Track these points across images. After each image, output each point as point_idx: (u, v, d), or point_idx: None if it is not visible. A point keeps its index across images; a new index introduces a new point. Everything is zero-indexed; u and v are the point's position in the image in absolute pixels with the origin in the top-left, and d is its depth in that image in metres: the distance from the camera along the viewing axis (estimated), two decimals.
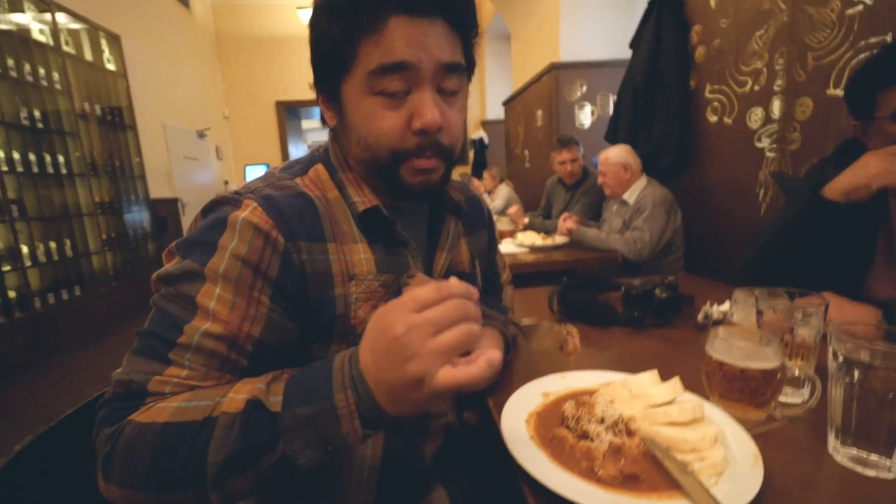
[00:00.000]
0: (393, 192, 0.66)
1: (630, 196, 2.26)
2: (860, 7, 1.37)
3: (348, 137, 0.63)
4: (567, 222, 2.33)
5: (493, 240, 0.93)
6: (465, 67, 0.62)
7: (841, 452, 0.52)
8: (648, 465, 0.50)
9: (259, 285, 0.53)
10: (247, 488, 0.43)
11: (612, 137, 2.65)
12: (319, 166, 0.66)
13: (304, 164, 0.67)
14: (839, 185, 0.91)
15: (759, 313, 0.71)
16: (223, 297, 0.51)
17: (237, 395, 0.45)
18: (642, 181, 2.27)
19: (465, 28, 0.60)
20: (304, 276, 0.57)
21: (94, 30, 4.01)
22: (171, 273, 0.53)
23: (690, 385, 0.63)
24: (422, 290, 0.42)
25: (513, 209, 3.06)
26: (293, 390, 0.45)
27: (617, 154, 2.27)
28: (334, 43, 0.57)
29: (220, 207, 0.57)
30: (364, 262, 0.62)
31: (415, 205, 0.72)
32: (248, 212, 0.55)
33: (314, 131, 10.89)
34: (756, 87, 1.81)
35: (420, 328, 0.40)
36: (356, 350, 0.45)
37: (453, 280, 0.44)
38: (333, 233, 0.61)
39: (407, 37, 0.55)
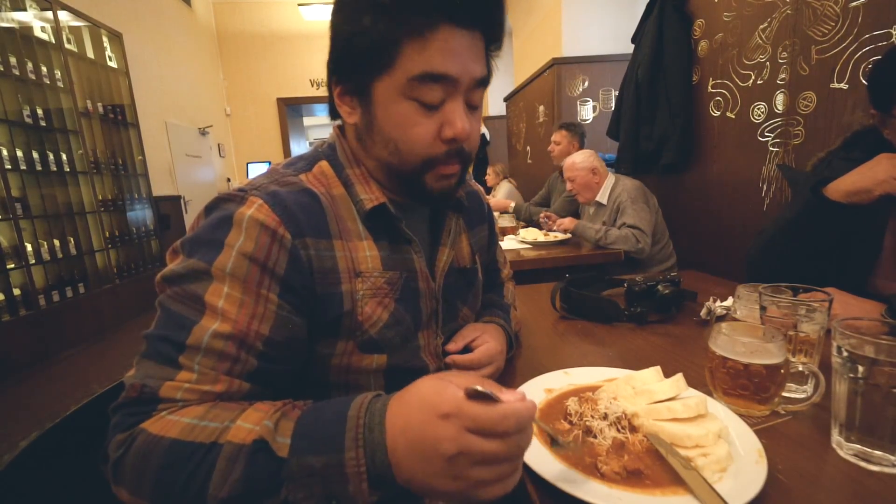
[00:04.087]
0: (412, 195, 0.66)
1: (603, 196, 2.26)
2: None
3: (373, 138, 0.62)
4: (565, 221, 2.32)
5: (493, 234, 0.93)
6: (488, 80, 0.63)
7: (845, 448, 0.52)
8: (652, 461, 0.51)
9: (267, 283, 0.53)
10: None
11: (615, 133, 2.64)
12: (324, 163, 0.65)
13: (309, 161, 0.66)
14: (843, 186, 0.90)
15: (763, 309, 0.71)
16: (231, 295, 0.51)
17: (245, 424, 0.44)
18: (610, 179, 2.28)
19: (496, 43, 0.62)
20: (312, 272, 0.57)
21: (95, 27, 4.01)
22: (176, 272, 0.52)
23: (694, 381, 0.63)
24: (488, 415, 0.38)
25: (493, 199, 3.08)
26: (302, 434, 0.43)
27: (584, 159, 2.27)
28: (376, 41, 0.55)
29: (224, 205, 0.56)
30: (369, 260, 0.62)
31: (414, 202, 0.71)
32: (255, 209, 0.54)
33: (316, 128, 10.90)
34: (759, 82, 1.80)
35: (471, 456, 0.38)
36: (375, 407, 0.44)
37: (520, 397, 0.40)
38: (339, 229, 0.60)
39: (452, 48, 0.55)
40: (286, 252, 0.54)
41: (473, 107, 0.62)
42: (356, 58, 0.58)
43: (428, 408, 0.40)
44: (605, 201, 2.25)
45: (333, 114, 0.67)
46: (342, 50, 0.59)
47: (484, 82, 0.61)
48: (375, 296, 0.61)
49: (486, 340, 0.74)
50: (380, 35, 0.55)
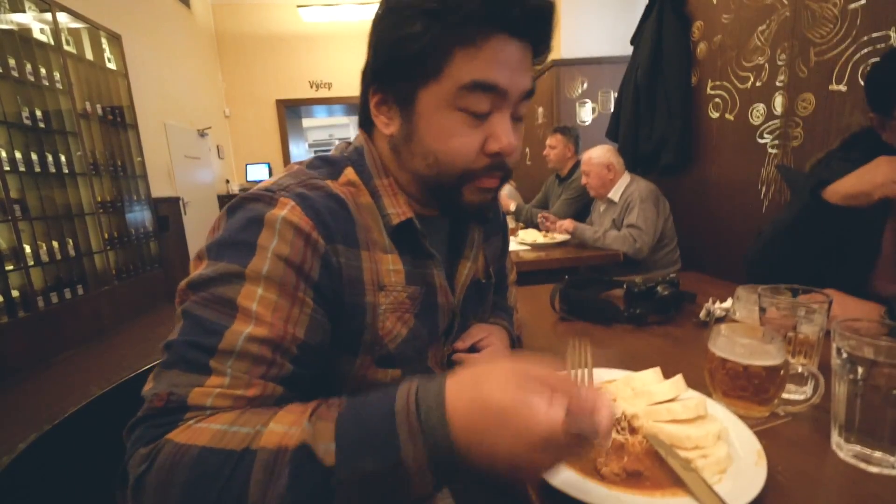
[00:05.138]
0: (446, 208, 0.64)
1: (615, 194, 2.27)
2: (862, 1, 1.36)
3: (412, 149, 0.59)
4: (565, 223, 2.32)
5: (506, 242, 0.92)
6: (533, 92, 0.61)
7: (844, 449, 0.52)
8: (652, 462, 0.50)
9: (303, 287, 0.51)
10: None
11: (614, 134, 2.65)
12: (350, 170, 0.62)
13: (335, 168, 0.62)
14: (841, 189, 0.90)
15: (762, 310, 0.71)
16: (266, 298, 0.48)
17: (277, 427, 0.40)
18: (625, 178, 2.28)
19: (543, 56, 0.60)
20: (342, 280, 0.55)
21: (94, 29, 4.01)
22: (203, 276, 0.48)
23: (693, 382, 0.63)
24: (586, 447, 0.37)
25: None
26: (347, 437, 0.39)
27: (600, 154, 2.27)
28: (426, 48, 0.53)
29: (250, 205, 0.53)
30: (392, 274, 0.60)
31: (440, 215, 0.69)
32: (287, 211, 0.52)
33: (315, 129, 10.89)
34: (758, 83, 1.80)
35: (529, 464, 0.37)
36: (427, 400, 0.39)
37: (605, 405, 0.38)
38: (366, 239, 0.58)
39: (504, 59, 0.54)
40: (319, 257, 0.52)
41: (517, 119, 0.60)
42: (402, 65, 0.56)
43: (518, 430, 0.36)
44: (616, 199, 2.26)
45: (365, 123, 0.65)
46: (386, 56, 0.57)
47: (531, 94, 0.59)
48: (396, 310, 0.60)
49: (493, 342, 0.73)
50: (430, 42, 0.53)
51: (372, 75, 0.60)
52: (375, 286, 0.58)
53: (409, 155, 0.60)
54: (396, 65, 0.56)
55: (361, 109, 0.65)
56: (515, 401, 0.36)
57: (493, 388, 0.38)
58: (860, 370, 0.50)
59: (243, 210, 0.53)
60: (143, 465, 0.40)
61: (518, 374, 0.38)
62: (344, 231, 0.56)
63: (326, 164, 0.63)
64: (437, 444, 0.38)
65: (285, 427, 0.40)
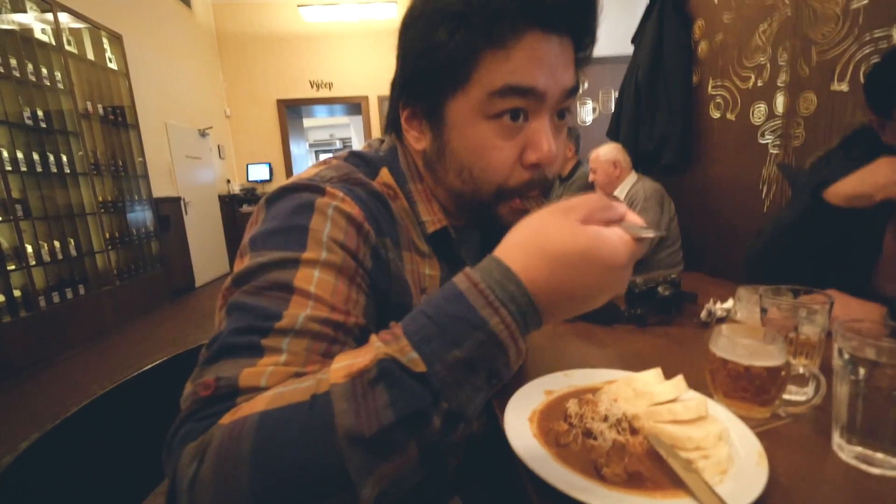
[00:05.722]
0: (481, 224, 0.63)
1: (621, 192, 2.28)
2: (865, 0, 1.36)
3: (445, 165, 0.57)
4: None
5: None
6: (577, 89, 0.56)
7: (846, 450, 0.52)
8: (652, 463, 0.50)
9: (361, 273, 0.48)
10: (407, 468, 0.34)
11: (615, 134, 2.64)
12: (385, 171, 0.60)
13: (371, 167, 0.60)
14: (842, 190, 0.89)
15: (763, 311, 0.71)
16: (325, 280, 0.44)
17: (339, 364, 0.35)
18: (632, 177, 2.29)
19: (588, 50, 0.57)
20: (390, 276, 0.53)
21: (95, 29, 4.01)
22: (251, 267, 0.44)
23: (694, 383, 0.63)
24: (624, 254, 0.37)
25: None
26: (425, 338, 0.35)
27: (607, 151, 2.29)
28: (453, 55, 0.50)
29: (295, 194, 0.50)
30: (428, 279, 0.59)
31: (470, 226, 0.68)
32: (339, 200, 0.49)
33: (316, 129, 10.90)
34: (759, 83, 1.80)
35: (616, 289, 0.38)
36: (491, 273, 0.37)
37: (636, 222, 0.39)
38: (406, 241, 0.57)
39: (539, 57, 0.50)
40: (370, 248, 0.50)
41: (560, 121, 0.56)
42: (429, 76, 0.53)
43: (605, 262, 0.36)
44: (621, 197, 2.27)
45: (396, 131, 0.63)
46: (412, 68, 0.55)
47: (574, 91, 0.55)
48: None
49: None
50: (456, 47, 0.50)
51: (400, 88, 0.58)
52: (419, 289, 0.57)
53: (444, 171, 0.58)
54: (423, 76, 0.54)
55: (390, 119, 0.63)
56: (589, 239, 0.36)
57: (559, 238, 0.37)
58: (862, 371, 0.50)
59: (288, 199, 0.50)
60: (195, 463, 0.33)
61: (566, 217, 0.38)
62: (389, 228, 0.54)
63: (363, 161, 0.60)
64: (517, 301, 0.36)
65: (349, 360, 0.35)
